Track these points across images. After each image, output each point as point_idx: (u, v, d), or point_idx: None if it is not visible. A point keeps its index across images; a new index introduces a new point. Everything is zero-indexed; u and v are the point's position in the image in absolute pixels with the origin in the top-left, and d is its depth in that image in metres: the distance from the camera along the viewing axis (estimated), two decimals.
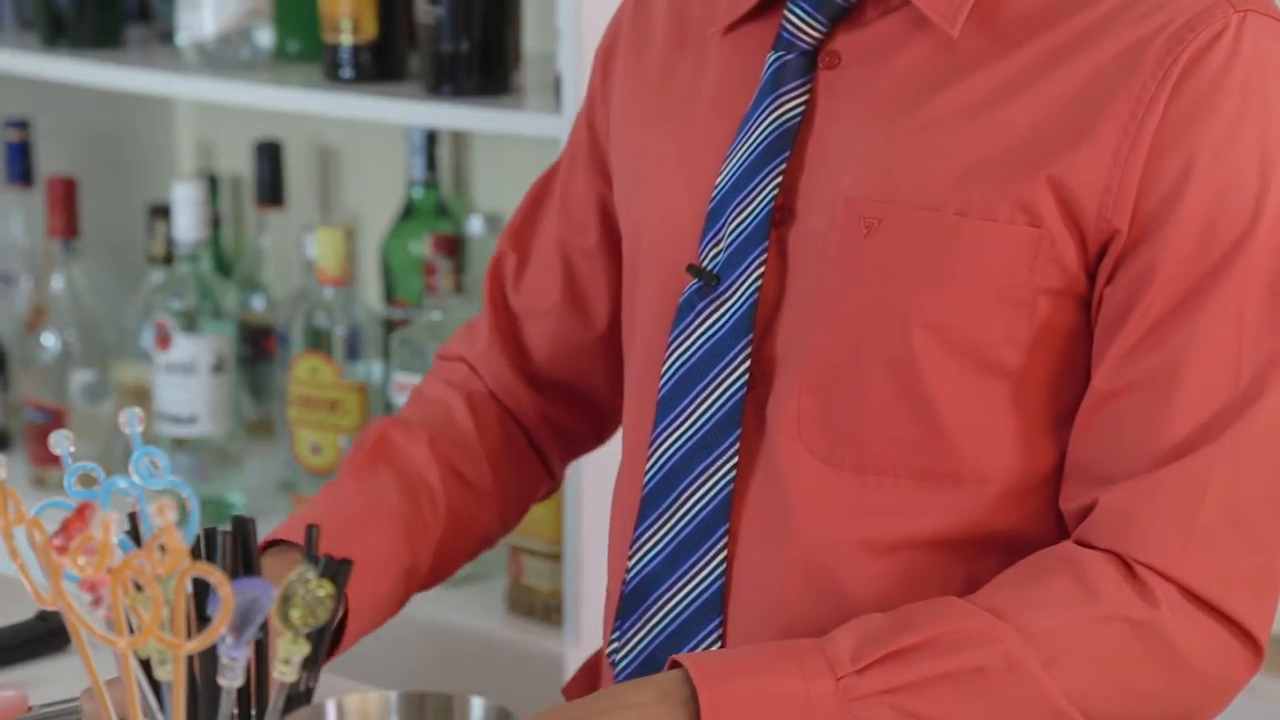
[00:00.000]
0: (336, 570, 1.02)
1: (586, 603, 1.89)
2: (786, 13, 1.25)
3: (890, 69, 1.22)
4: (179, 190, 2.17)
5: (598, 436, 1.49)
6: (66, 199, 2.28)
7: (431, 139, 2.18)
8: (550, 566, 1.96)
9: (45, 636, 1.43)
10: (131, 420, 1.03)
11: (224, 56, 2.18)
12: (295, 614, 0.94)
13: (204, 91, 2.18)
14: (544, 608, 1.96)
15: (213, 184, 2.38)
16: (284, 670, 0.96)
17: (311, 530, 1.04)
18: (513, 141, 2.22)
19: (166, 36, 2.31)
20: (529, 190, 1.46)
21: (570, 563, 1.90)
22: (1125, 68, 1.16)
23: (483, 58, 1.97)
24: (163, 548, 0.87)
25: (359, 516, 1.31)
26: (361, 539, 1.30)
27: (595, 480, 1.86)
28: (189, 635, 0.91)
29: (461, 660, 1.98)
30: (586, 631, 1.89)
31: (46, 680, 1.37)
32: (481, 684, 1.94)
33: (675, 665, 1.14)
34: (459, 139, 2.29)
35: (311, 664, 1.01)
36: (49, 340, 2.31)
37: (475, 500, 1.39)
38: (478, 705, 0.99)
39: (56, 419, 2.29)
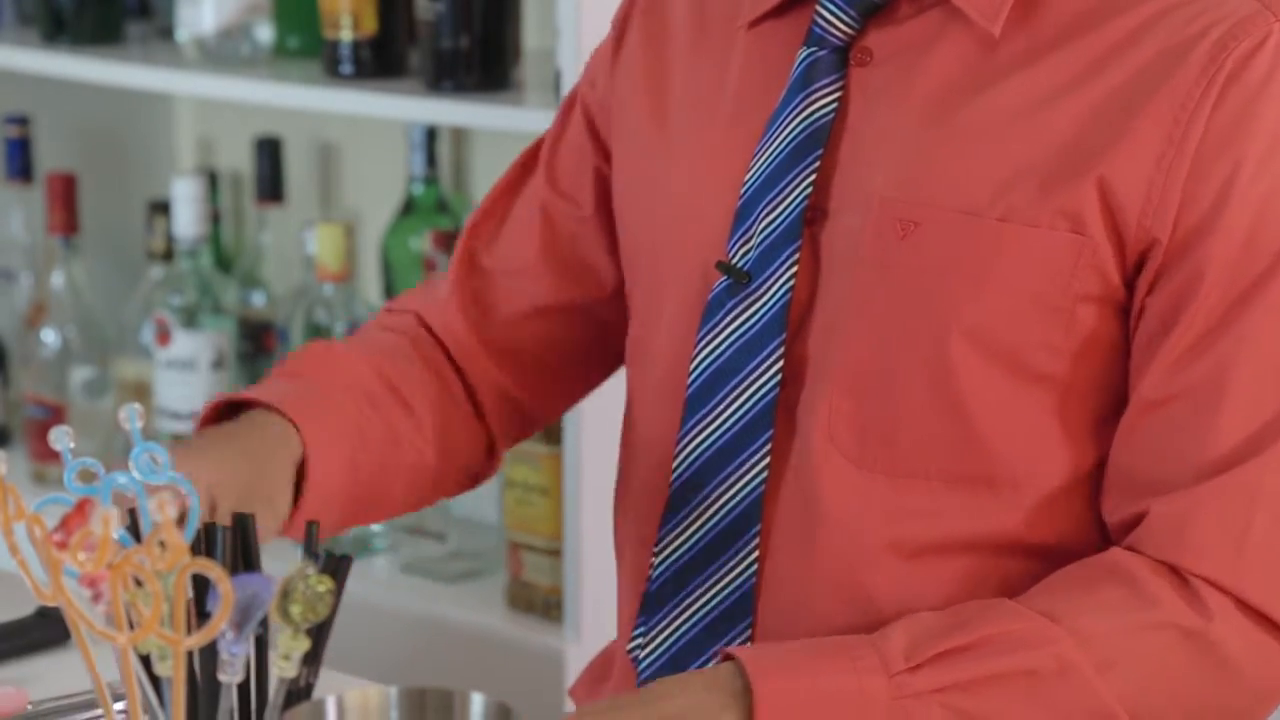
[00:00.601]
0: (337, 566, 1.02)
1: (587, 599, 1.89)
2: (818, 8, 1.24)
3: (926, 67, 1.21)
4: (179, 186, 2.17)
5: (549, 414, 1.45)
6: (66, 195, 2.28)
7: (431, 135, 2.18)
8: (550, 562, 1.96)
9: (45, 632, 1.43)
10: (132, 416, 1.03)
11: (224, 53, 2.17)
12: (295, 610, 0.94)
13: (204, 88, 2.18)
14: (544, 604, 1.96)
15: (213, 180, 2.38)
16: (284, 666, 0.96)
17: (311, 527, 1.04)
18: (513, 137, 2.22)
19: (166, 33, 2.31)
20: (512, 163, 1.44)
21: (570, 559, 1.90)
22: (1167, 75, 1.16)
23: (483, 54, 1.97)
24: (162, 543, 0.87)
25: (315, 393, 1.32)
26: (319, 411, 1.30)
27: (595, 476, 1.86)
28: (189, 631, 0.91)
29: (461, 656, 1.98)
30: (587, 627, 1.89)
31: (46, 676, 1.37)
32: (481, 680, 1.94)
33: (726, 657, 1.14)
34: (459, 135, 2.29)
35: (312, 659, 1.01)
36: (49, 336, 2.31)
37: (414, 427, 1.36)
38: (478, 701, 0.99)
39: (57, 415, 2.29)
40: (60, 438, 1.03)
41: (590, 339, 1.41)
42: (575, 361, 1.41)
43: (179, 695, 0.91)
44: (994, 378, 1.19)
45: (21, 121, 2.36)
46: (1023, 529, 1.20)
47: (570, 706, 1.86)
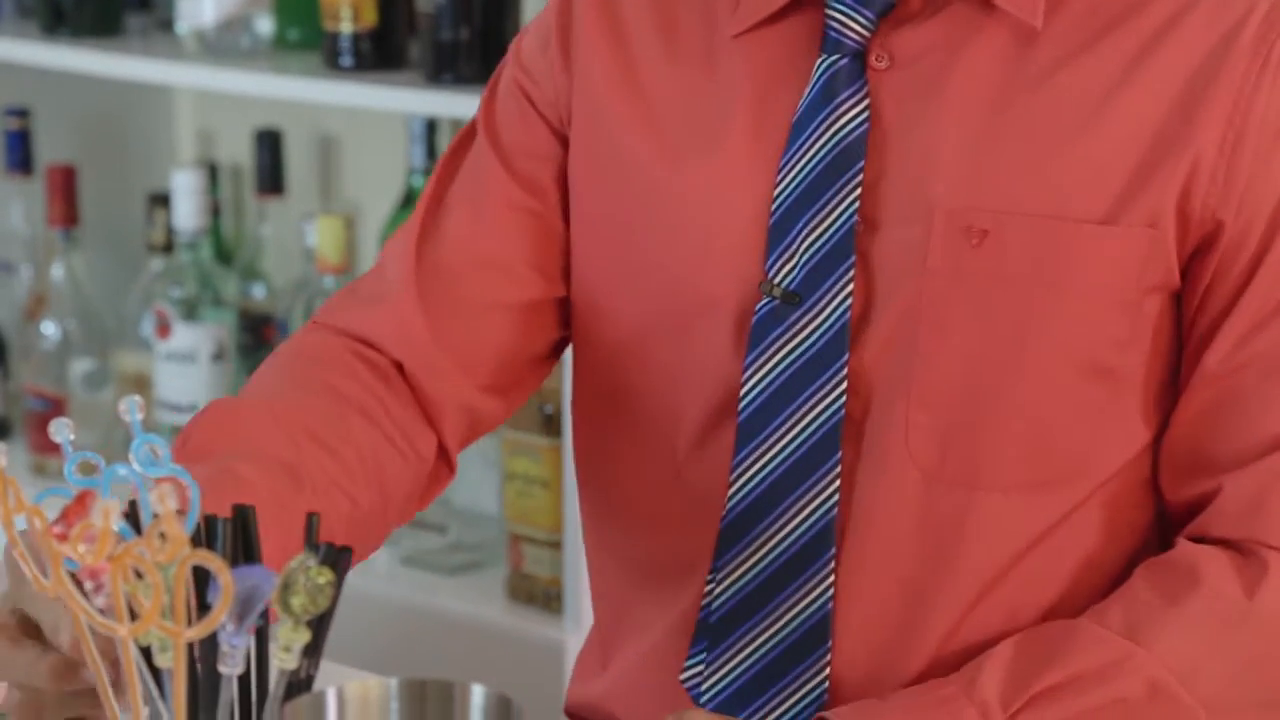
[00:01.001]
0: (337, 558, 1.02)
1: (586, 591, 1.89)
2: (830, 11, 1.21)
3: (963, 68, 1.18)
4: (179, 179, 2.17)
5: (500, 419, 1.34)
6: (66, 187, 2.28)
7: (431, 127, 2.18)
8: (550, 554, 1.96)
9: None
10: (132, 408, 1.03)
11: (224, 45, 2.17)
12: (296, 601, 0.94)
13: (204, 80, 2.18)
14: (544, 595, 1.97)
15: (213, 172, 2.38)
16: (285, 658, 0.97)
17: (312, 519, 1.04)
18: None
19: (166, 25, 2.31)
20: (444, 155, 1.34)
21: (570, 551, 1.90)
22: (1220, 54, 1.15)
23: (483, 46, 1.97)
24: (163, 535, 0.87)
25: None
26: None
27: None
28: (190, 622, 0.91)
29: (462, 648, 1.98)
30: (587, 619, 1.89)
31: None
32: (482, 672, 1.94)
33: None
34: (459, 127, 2.29)
35: (312, 651, 1.01)
36: (49, 329, 2.31)
37: (343, 473, 1.24)
38: (478, 693, 0.99)
39: (57, 407, 2.29)
40: (61, 430, 1.02)
41: (552, 337, 1.33)
42: (535, 361, 1.33)
43: (179, 687, 0.91)
44: (1071, 380, 1.18)
45: (21, 113, 2.36)
46: (1081, 517, 1.20)
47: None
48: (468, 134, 1.34)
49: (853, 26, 1.20)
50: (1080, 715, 1.13)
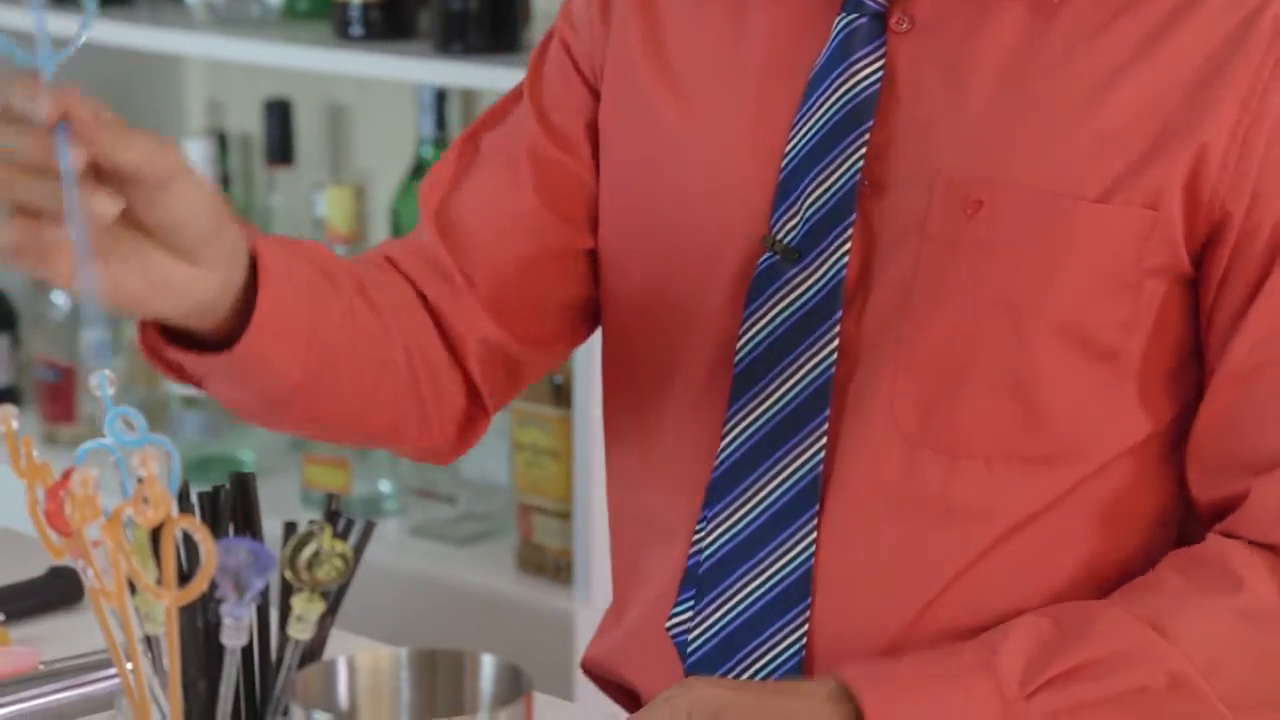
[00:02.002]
0: (361, 530, 1.02)
1: (597, 561, 1.90)
2: None
3: (983, 38, 1.18)
4: (189, 148, 2.17)
5: (540, 368, 1.34)
6: None
7: (441, 97, 2.17)
8: (560, 525, 1.96)
9: (57, 592, 1.43)
10: (102, 381, 1.03)
11: (233, 14, 2.17)
12: (321, 571, 0.95)
13: (213, 49, 2.18)
14: (554, 566, 1.97)
15: (222, 142, 2.37)
16: (299, 628, 0.97)
17: (331, 497, 1.04)
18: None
19: None
20: (496, 103, 1.35)
21: (580, 521, 1.91)
22: (1238, 38, 1.14)
23: (492, 16, 1.97)
24: (146, 499, 0.87)
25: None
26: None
27: None
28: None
29: (472, 618, 1.98)
30: (597, 589, 1.90)
31: (58, 636, 1.37)
32: (492, 642, 1.94)
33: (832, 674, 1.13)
34: (469, 97, 2.29)
35: (322, 621, 1.01)
36: (59, 298, 2.31)
37: (382, 329, 1.24)
38: (488, 663, 1.00)
39: (67, 377, 2.29)
40: (102, 383, 1.03)
41: (582, 290, 1.33)
42: (567, 312, 1.33)
43: (174, 653, 0.91)
44: (1064, 356, 1.17)
45: None
46: (1073, 506, 1.20)
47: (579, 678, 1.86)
48: (518, 90, 1.35)
49: None
50: (1099, 701, 1.13)
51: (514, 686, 0.98)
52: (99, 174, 1.00)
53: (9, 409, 0.97)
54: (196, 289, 1.09)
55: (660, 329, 1.29)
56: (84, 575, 0.94)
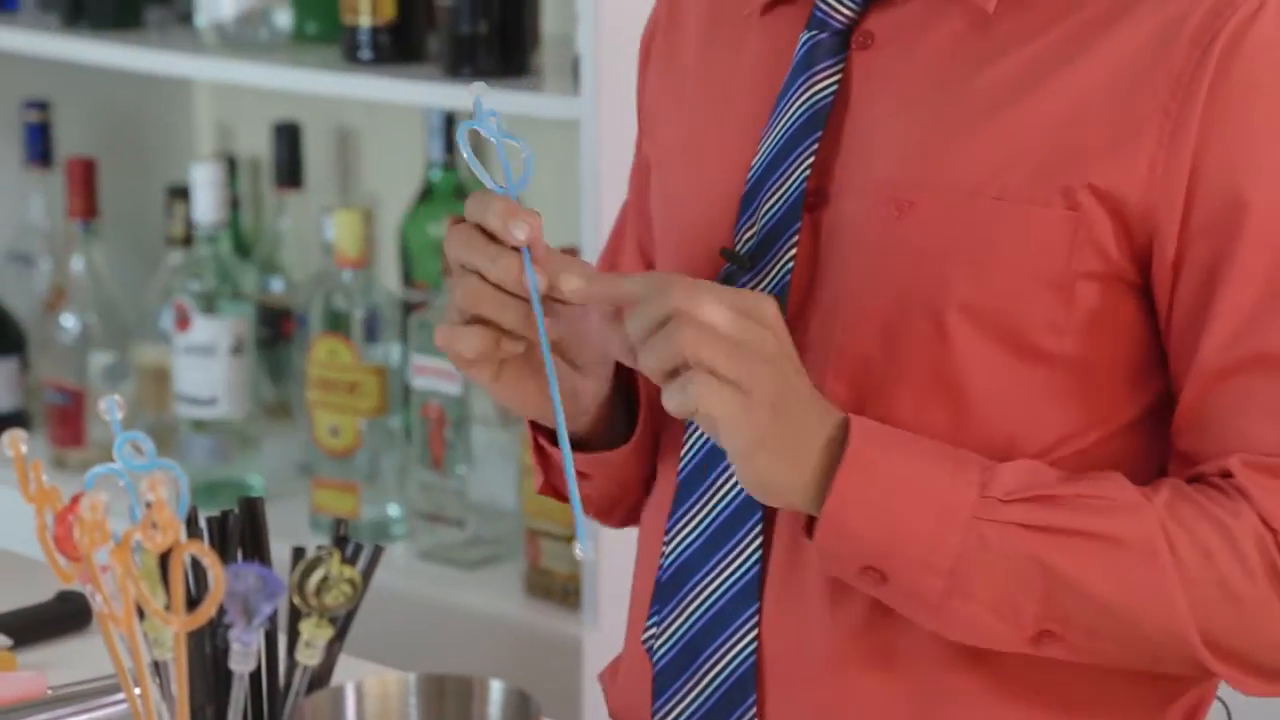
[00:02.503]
0: (372, 556, 1.02)
1: (605, 586, 1.89)
2: None
3: (923, 49, 1.21)
4: (198, 172, 2.18)
5: None
6: (86, 180, 2.28)
7: (450, 120, 2.17)
8: (568, 549, 1.96)
9: (65, 617, 1.43)
10: (111, 407, 1.04)
11: (243, 38, 2.18)
12: (329, 597, 0.95)
13: (223, 73, 2.19)
14: (562, 590, 1.97)
15: (232, 166, 2.38)
16: (307, 653, 0.97)
17: (339, 522, 1.05)
18: (531, 123, 2.22)
19: (186, 18, 2.31)
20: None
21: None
22: (1159, 47, 1.15)
23: (501, 39, 1.97)
24: (155, 524, 0.87)
25: None
26: None
27: None
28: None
29: (480, 643, 1.98)
30: (605, 614, 1.89)
31: (66, 661, 1.37)
32: (500, 666, 1.94)
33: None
34: None
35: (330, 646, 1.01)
36: (69, 321, 2.32)
37: None
38: (496, 688, 0.99)
39: (76, 400, 2.29)
40: (111, 408, 1.03)
41: None
42: None
43: (181, 678, 0.91)
44: (995, 357, 1.19)
45: (41, 106, 2.37)
46: None
47: (589, 693, 1.86)
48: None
49: (838, 9, 1.24)
50: (1070, 531, 1.14)
51: (522, 711, 0.97)
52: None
53: (18, 433, 0.97)
54: (594, 399, 1.25)
55: None
56: (92, 600, 0.94)
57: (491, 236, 1.15)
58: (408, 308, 2.17)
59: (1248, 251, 1.15)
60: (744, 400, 1.12)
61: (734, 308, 1.13)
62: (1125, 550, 1.14)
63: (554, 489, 1.33)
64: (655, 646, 1.27)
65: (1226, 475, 1.17)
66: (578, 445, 1.27)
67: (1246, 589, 1.15)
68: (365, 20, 2.05)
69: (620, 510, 1.37)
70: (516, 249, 1.14)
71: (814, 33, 1.25)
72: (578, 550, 1.13)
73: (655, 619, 1.28)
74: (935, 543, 1.14)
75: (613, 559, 1.88)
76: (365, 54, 2.06)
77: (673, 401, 1.13)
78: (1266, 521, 1.15)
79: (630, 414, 1.31)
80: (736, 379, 1.12)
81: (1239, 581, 1.15)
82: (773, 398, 1.13)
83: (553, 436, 1.28)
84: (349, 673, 1.04)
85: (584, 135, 1.87)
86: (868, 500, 1.14)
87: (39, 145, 2.37)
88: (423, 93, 2.01)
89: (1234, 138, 1.15)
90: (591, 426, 1.28)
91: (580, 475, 1.27)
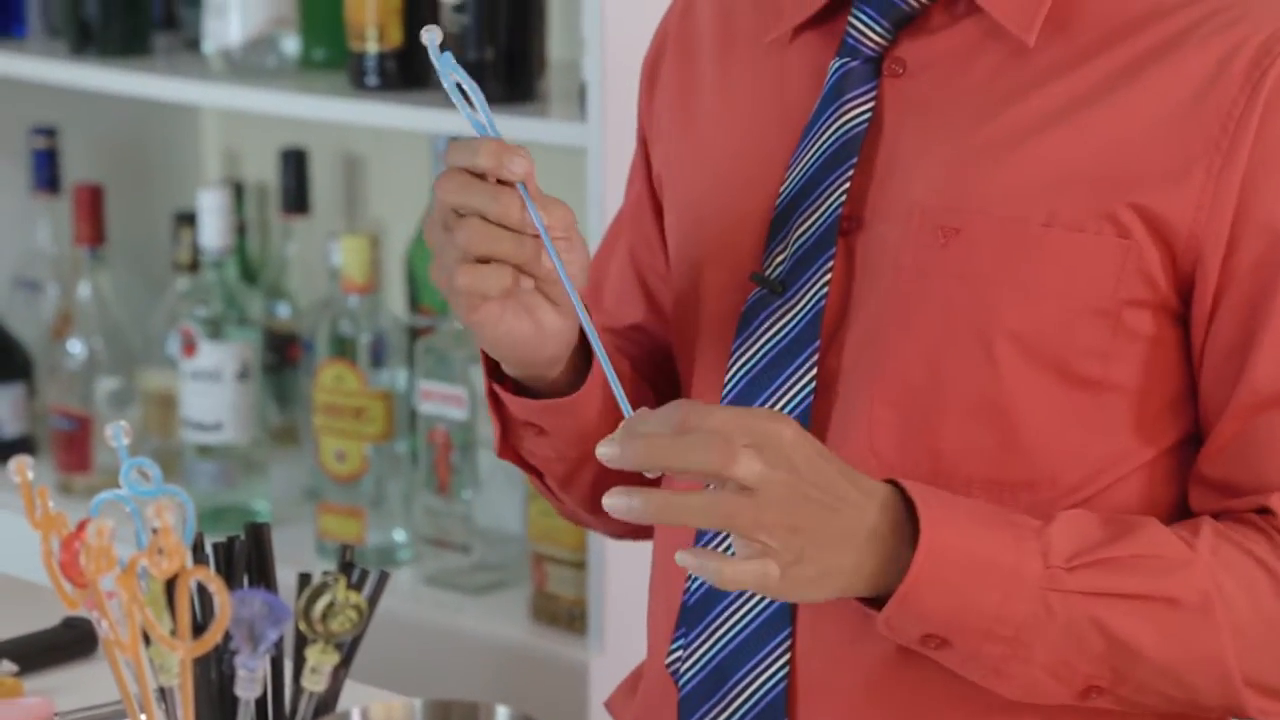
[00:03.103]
0: (378, 581, 1.02)
1: (610, 611, 1.89)
2: (851, 18, 1.25)
3: (962, 79, 1.22)
4: (205, 198, 2.18)
5: None
6: (93, 206, 2.28)
7: None
8: (574, 574, 1.96)
9: (71, 643, 1.43)
10: (118, 433, 1.04)
11: (250, 64, 2.18)
12: (335, 623, 0.95)
13: (230, 99, 2.19)
14: (568, 616, 1.96)
15: (238, 191, 2.38)
16: (313, 679, 0.97)
17: (345, 548, 1.05)
18: (537, 149, 2.22)
19: (193, 44, 2.31)
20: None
21: (594, 570, 1.90)
22: (1209, 84, 1.16)
23: (508, 65, 1.97)
24: (161, 550, 0.87)
25: None
26: None
27: None
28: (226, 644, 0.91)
29: (486, 668, 1.98)
30: (611, 639, 1.89)
31: (72, 687, 1.37)
32: (505, 692, 1.94)
33: (893, 484, 1.15)
34: None
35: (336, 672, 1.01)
36: (75, 347, 2.32)
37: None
38: (502, 713, 0.99)
39: (83, 426, 2.30)
40: (118, 434, 1.03)
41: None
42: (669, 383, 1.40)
43: (187, 704, 0.91)
44: (1041, 383, 1.19)
45: (49, 133, 2.37)
46: None
47: (595, 719, 1.86)
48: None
49: (870, 35, 1.24)
50: (1131, 595, 1.15)
51: None
52: None
53: (24, 459, 0.98)
54: (568, 338, 1.22)
55: (684, 363, 1.33)
56: (98, 626, 0.94)
57: (483, 179, 1.15)
58: (414, 333, 2.17)
59: None
60: (767, 565, 1.10)
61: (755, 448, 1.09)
62: (1181, 611, 1.16)
63: (512, 450, 1.32)
64: (681, 670, 1.26)
65: (1264, 512, 1.18)
66: (537, 396, 1.26)
67: None
68: (372, 46, 2.05)
69: (581, 483, 1.33)
70: (513, 186, 1.14)
71: (845, 60, 1.25)
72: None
73: (681, 642, 1.27)
74: (1002, 615, 1.15)
75: (620, 585, 1.88)
76: (372, 80, 2.06)
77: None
78: None
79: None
80: (762, 546, 1.10)
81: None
82: (799, 539, 1.10)
83: (506, 386, 1.26)
84: (355, 699, 1.04)
85: (590, 161, 1.87)
86: (942, 580, 1.14)
87: (46, 172, 2.37)
88: (429, 119, 2.01)
89: (1277, 181, 1.15)
90: (557, 377, 1.26)
91: (537, 431, 1.28)
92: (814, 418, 1.22)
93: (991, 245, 1.18)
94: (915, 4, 1.23)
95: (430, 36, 1.12)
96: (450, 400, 2.02)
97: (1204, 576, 1.16)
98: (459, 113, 1.16)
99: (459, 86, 1.14)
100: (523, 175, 1.14)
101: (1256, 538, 1.17)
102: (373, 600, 1.01)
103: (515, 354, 1.23)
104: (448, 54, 1.13)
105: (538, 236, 1.15)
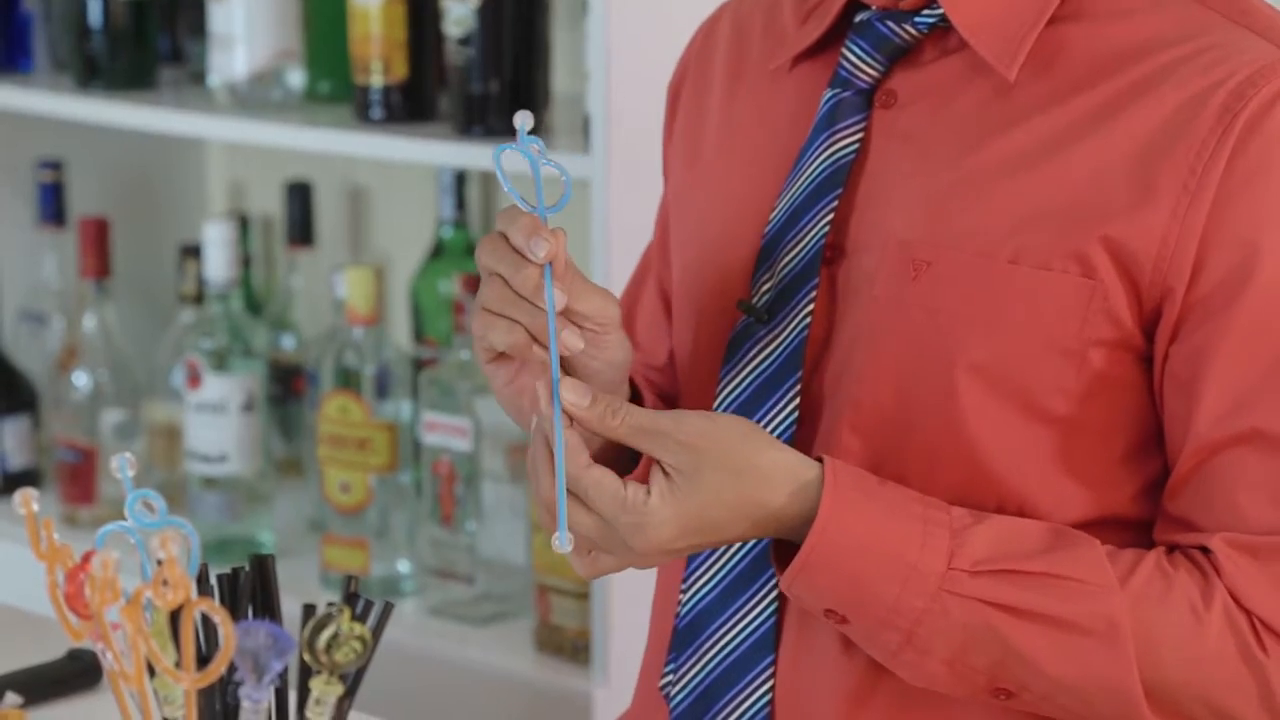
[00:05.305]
0: (382, 611, 1.02)
1: (615, 641, 1.89)
2: (845, 50, 1.26)
3: (947, 112, 1.23)
4: (210, 230, 2.19)
5: None
6: (99, 239, 2.29)
7: (461, 179, 2.19)
8: (578, 605, 1.96)
9: (76, 675, 1.43)
10: (123, 465, 1.04)
11: (255, 97, 2.19)
12: (340, 654, 0.95)
13: (235, 132, 2.20)
14: (572, 647, 1.96)
15: (243, 224, 2.39)
16: (317, 711, 0.97)
17: (349, 579, 1.05)
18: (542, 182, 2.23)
19: (198, 78, 2.32)
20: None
21: (598, 602, 1.90)
22: (1184, 122, 1.16)
23: (513, 98, 1.98)
24: (166, 581, 0.88)
25: None
26: None
27: None
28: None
29: (490, 700, 1.98)
30: (615, 670, 1.89)
31: (77, 719, 1.37)
32: None
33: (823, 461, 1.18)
34: (489, 179, 2.30)
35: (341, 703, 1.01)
36: (80, 380, 2.32)
37: None
38: None
39: (87, 458, 2.30)
40: (123, 466, 1.03)
41: None
42: None
43: None
44: (1005, 417, 1.19)
45: (54, 166, 2.38)
46: None
47: None
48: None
49: (863, 68, 1.26)
50: (1033, 615, 1.16)
51: None
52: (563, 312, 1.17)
53: (29, 491, 0.98)
54: None
55: (680, 388, 1.35)
56: (103, 658, 0.94)
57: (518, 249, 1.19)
58: (418, 364, 2.17)
59: (1248, 326, 1.16)
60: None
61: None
62: (1080, 636, 1.16)
63: None
64: (673, 693, 1.28)
65: (1204, 550, 1.18)
66: None
67: (1208, 668, 1.16)
68: (377, 80, 2.06)
69: None
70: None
71: (838, 90, 1.26)
72: (556, 543, 1.15)
73: (672, 665, 1.29)
74: (899, 606, 1.16)
75: (623, 616, 1.88)
76: (377, 113, 2.07)
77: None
78: (1238, 600, 1.16)
79: None
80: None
81: (1201, 660, 1.16)
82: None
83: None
84: None
85: (594, 194, 1.88)
86: (834, 564, 1.16)
87: (52, 205, 2.38)
88: (434, 151, 2.02)
89: (1244, 214, 1.15)
90: (600, 447, 1.28)
91: None
92: (797, 445, 1.23)
93: (959, 280, 1.19)
94: (908, 36, 1.24)
95: (522, 123, 1.18)
96: (454, 432, 2.03)
97: (1119, 607, 1.15)
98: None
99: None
100: (544, 259, 1.17)
101: (1192, 575, 1.17)
102: (377, 631, 1.01)
103: (523, 418, 1.26)
104: (534, 137, 1.20)
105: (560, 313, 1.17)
